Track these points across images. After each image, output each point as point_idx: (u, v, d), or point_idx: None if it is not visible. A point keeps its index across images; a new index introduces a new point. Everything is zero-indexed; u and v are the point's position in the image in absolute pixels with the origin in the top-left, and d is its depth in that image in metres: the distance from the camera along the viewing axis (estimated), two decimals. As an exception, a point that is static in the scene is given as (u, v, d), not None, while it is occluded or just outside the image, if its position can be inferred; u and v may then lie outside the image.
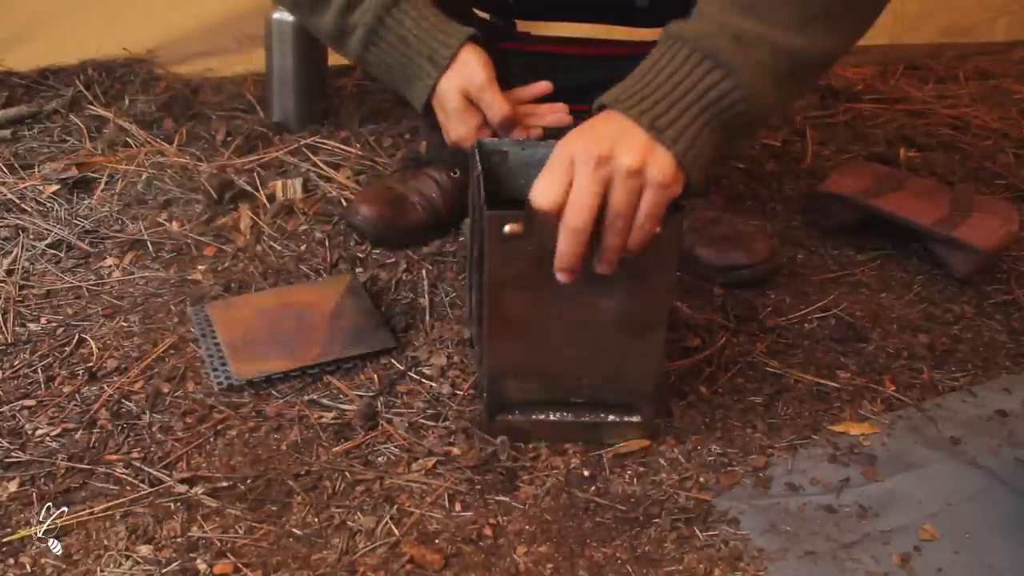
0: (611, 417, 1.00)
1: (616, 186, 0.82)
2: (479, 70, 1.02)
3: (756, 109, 0.85)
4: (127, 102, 1.64)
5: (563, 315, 0.92)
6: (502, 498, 0.94)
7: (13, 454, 0.94)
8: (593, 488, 0.96)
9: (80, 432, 0.98)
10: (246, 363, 1.07)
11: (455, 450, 0.99)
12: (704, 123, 0.84)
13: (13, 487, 0.90)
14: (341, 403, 1.04)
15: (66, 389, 1.04)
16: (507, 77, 1.39)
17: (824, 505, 0.95)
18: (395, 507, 0.92)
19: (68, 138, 1.54)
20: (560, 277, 0.86)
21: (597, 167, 0.81)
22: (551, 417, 1.00)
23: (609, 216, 0.83)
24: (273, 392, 1.05)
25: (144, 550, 0.85)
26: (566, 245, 0.84)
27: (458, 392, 1.06)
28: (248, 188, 1.42)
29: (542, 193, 0.83)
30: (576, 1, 1.38)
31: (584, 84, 1.54)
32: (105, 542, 0.86)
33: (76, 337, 1.11)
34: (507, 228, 0.87)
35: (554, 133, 1.01)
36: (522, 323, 0.93)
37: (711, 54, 0.82)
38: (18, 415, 0.99)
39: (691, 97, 0.83)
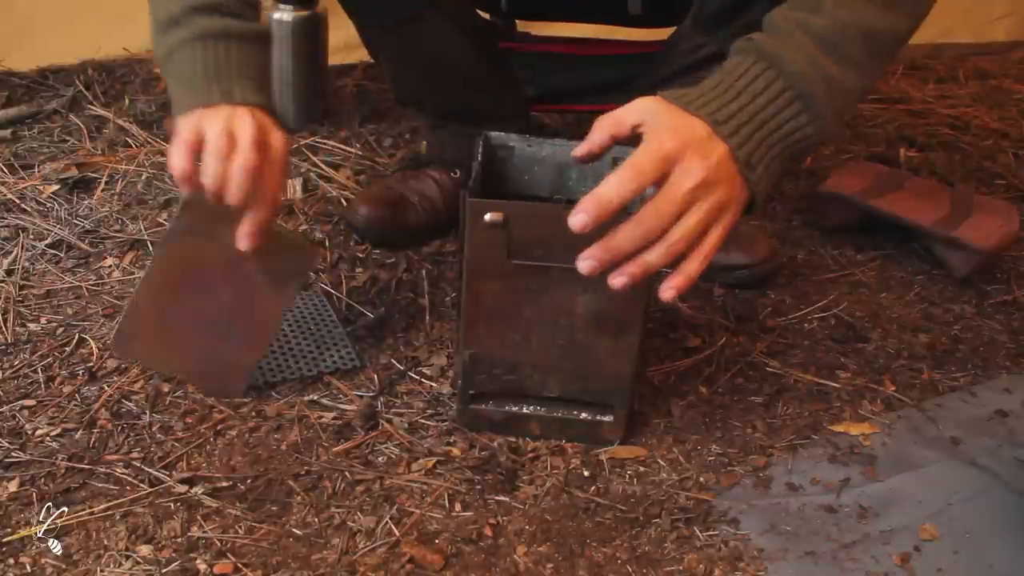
0: (584, 415, 1.00)
1: (697, 211, 0.79)
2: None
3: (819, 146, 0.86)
4: (127, 102, 1.64)
5: (539, 308, 0.93)
6: (502, 498, 0.94)
7: (13, 454, 0.94)
8: (593, 488, 0.96)
9: (80, 432, 0.97)
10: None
11: (455, 450, 0.99)
12: (781, 161, 0.84)
13: (13, 487, 0.90)
14: (341, 403, 1.04)
15: (66, 389, 1.03)
16: (511, 77, 1.40)
17: (824, 505, 0.95)
18: (395, 507, 0.92)
19: (68, 138, 1.54)
20: (586, 265, 0.80)
21: (698, 187, 0.78)
22: (524, 410, 1.00)
23: (674, 235, 0.79)
24: (273, 393, 1.05)
25: (144, 550, 0.85)
26: (628, 240, 0.78)
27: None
28: (248, 188, 1.42)
29: (636, 166, 0.77)
30: (570, 3, 1.38)
31: (585, 84, 1.55)
32: (105, 542, 0.86)
33: (76, 337, 1.11)
34: (488, 216, 0.87)
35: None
36: (498, 313, 0.93)
37: (803, 96, 0.82)
38: (18, 415, 0.99)
39: (778, 135, 0.83)
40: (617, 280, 0.81)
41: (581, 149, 0.84)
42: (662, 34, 1.34)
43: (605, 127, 0.83)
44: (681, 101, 0.82)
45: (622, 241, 0.79)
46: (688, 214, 0.79)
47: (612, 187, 0.77)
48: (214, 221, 0.95)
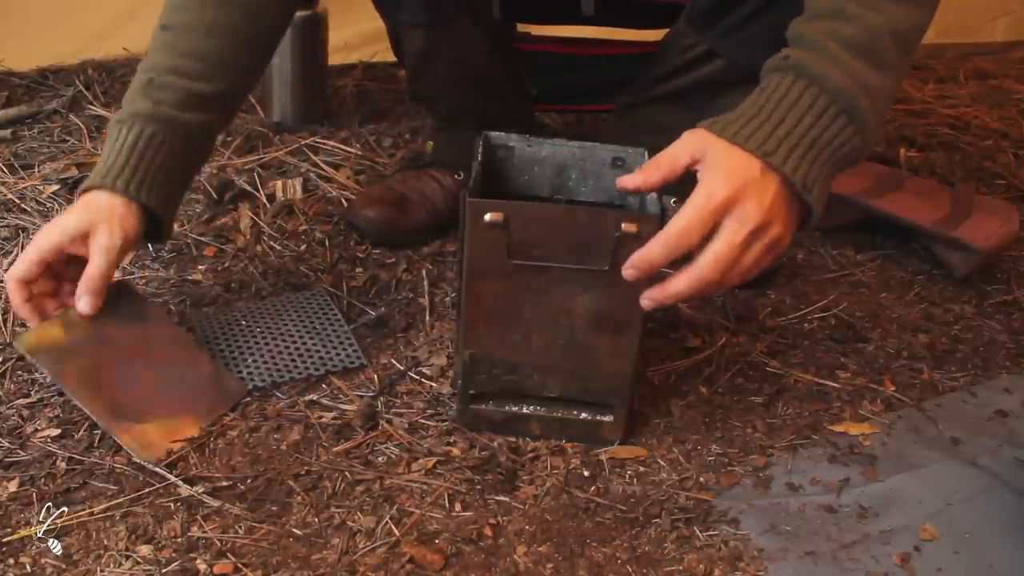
0: (584, 415, 1.00)
1: (753, 250, 0.82)
2: (120, 231, 0.97)
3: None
4: (127, 102, 1.64)
5: (539, 308, 0.93)
6: (502, 498, 0.94)
7: (13, 454, 0.94)
8: (593, 488, 0.96)
9: (80, 432, 0.97)
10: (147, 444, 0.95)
11: (455, 450, 0.99)
12: (831, 176, 0.86)
13: (13, 487, 0.90)
14: (341, 403, 1.04)
15: (66, 389, 1.03)
16: (521, 81, 1.40)
17: (824, 505, 0.95)
18: (395, 507, 0.92)
19: (68, 138, 1.54)
20: (631, 273, 0.84)
21: (754, 231, 0.81)
22: (524, 410, 1.00)
23: (731, 281, 0.83)
24: (275, 393, 1.05)
25: (144, 550, 0.85)
26: (690, 288, 0.82)
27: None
28: (248, 188, 1.42)
29: (684, 230, 0.80)
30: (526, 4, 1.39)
31: (585, 84, 1.55)
32: (105, 542, 0.86)
33: (76, 337, 1.11)
34: (488, 216, 0.87)
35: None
36: (498, 313, 0.93)
37: (848, 110, 0.83)
38: (18, 415, 0.99)
39: (828, 151, 0.84)
40: (649, 302, 0.86)
41: (632, 181, 0.85)
42: (660, 35, 1.34)
43: (661, 167, 0.84)
44: (727, 133, 0.82)
45: (683, 288, 0.82)
46: (743, 259, 0.82)
47: (658, 251, 0.81)
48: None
